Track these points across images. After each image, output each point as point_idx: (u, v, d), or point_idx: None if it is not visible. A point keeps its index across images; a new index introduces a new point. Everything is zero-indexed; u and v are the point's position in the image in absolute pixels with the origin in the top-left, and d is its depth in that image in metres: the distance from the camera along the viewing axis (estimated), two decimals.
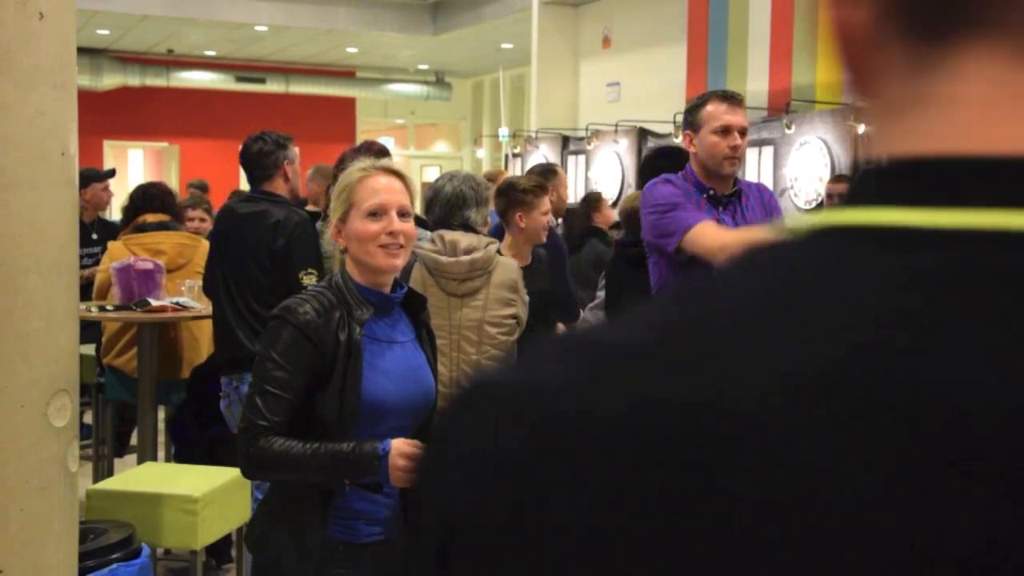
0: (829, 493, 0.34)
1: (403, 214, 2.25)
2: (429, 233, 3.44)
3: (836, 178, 6.09)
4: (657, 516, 0.36)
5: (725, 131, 3.14)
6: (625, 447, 0.37)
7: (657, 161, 3.94)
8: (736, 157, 3.18)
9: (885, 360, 0.35)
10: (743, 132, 3.19)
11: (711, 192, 3.19)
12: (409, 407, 2.24)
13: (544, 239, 3.97)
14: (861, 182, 0.41)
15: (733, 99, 3.20)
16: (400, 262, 2.24)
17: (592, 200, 6.28)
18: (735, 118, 3.17)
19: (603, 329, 0.44)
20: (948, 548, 0.33)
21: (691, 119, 3.22)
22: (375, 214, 2.21)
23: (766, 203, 3.32)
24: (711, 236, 2.99)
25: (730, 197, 3.22)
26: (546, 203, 3.92)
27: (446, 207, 3.45)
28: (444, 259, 3.27)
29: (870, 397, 0.35)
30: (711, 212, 3.16)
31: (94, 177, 6.06)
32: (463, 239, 3.32)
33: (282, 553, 2.19)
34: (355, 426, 2.14)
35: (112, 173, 6.50)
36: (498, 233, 4.08)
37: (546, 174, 4.94)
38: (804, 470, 0.35)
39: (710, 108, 3.16)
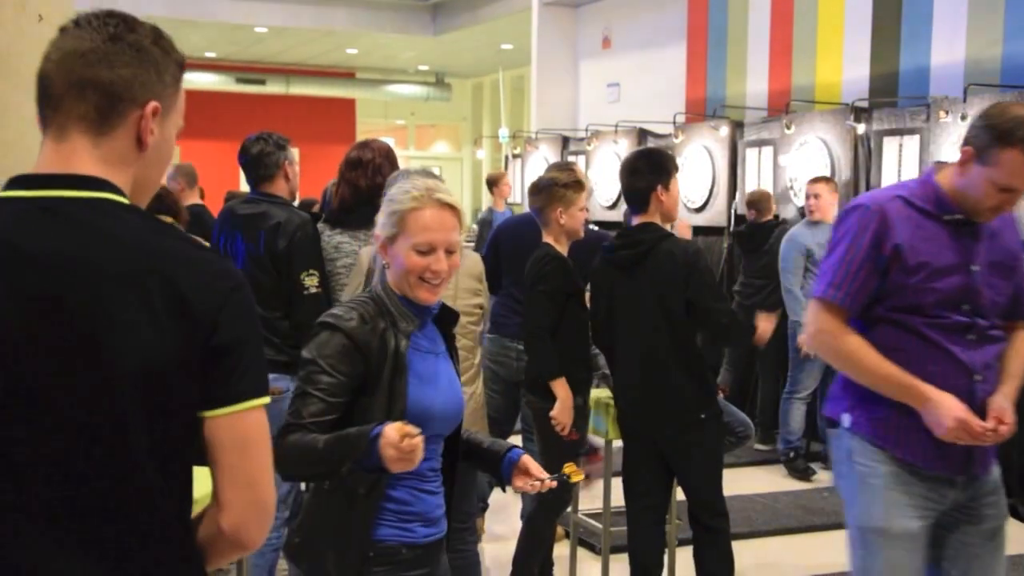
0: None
1: (450, 251, 2.24)
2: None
3: (814, 180, 6.29)
4: None
5: (1008, 190, 2.52)
6: None
7: (636, 163, 3.84)
8: (1000, 212, 2.61)
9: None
10: None
11: (959, 218, 2.58)
12: (448, 415, 2.28)
13: (583, 235, 3.92)
14: (61, 178, 1.39)
15: None
16: (436, 296, 2.26)
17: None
18: None
19: None
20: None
21: (984, 143, 2.50)
22: (423, 252, 2.22)
23: (1010, 222, 2.72)
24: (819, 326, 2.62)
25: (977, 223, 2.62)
26: (584, 198, 3.86)
27: None
28: None
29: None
30: (947, 236, 2.59)
31: None
32: None
33: (328, 560, 2.22)
34: None
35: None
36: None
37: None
38: None
39: (1010, 159, 2.47)
